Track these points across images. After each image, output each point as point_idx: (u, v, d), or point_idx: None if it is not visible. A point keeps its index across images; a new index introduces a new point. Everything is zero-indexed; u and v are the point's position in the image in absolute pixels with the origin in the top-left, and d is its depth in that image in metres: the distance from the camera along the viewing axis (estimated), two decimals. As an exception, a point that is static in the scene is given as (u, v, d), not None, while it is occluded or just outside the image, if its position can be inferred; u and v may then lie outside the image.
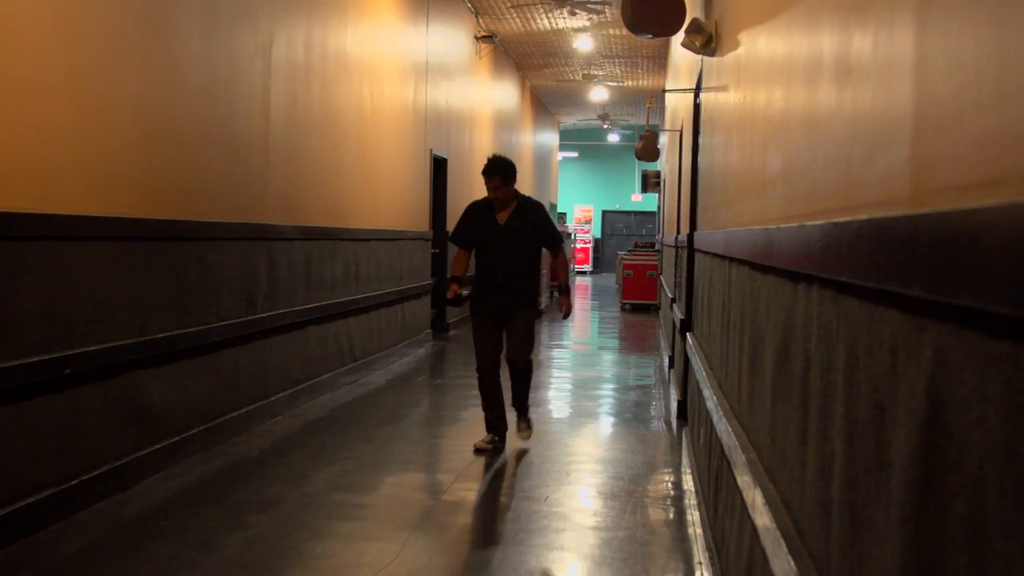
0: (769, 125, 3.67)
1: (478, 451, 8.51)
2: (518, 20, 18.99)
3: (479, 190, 24.45)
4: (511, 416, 9.11)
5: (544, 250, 9.58)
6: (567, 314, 9.69)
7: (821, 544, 2.26)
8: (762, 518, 3.05)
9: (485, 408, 8.86)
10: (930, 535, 1.45)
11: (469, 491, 6.99)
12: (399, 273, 13.86)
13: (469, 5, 17.44)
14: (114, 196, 6.32)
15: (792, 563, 2.47)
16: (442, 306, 16.02)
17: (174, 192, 7.01)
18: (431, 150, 15.03)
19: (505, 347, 8.86)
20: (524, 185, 28.07)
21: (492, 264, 8.74)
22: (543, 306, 18.15)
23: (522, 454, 8.41)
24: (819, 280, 2.31)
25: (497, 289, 8.65)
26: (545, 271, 18.07)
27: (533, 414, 9.13)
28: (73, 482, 5.95)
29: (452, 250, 9.97)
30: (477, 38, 18.56)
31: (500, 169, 8.63)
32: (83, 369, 5.97)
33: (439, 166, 15.69)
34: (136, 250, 6.58)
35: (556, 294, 18.00)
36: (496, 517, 6.31)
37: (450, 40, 16.38)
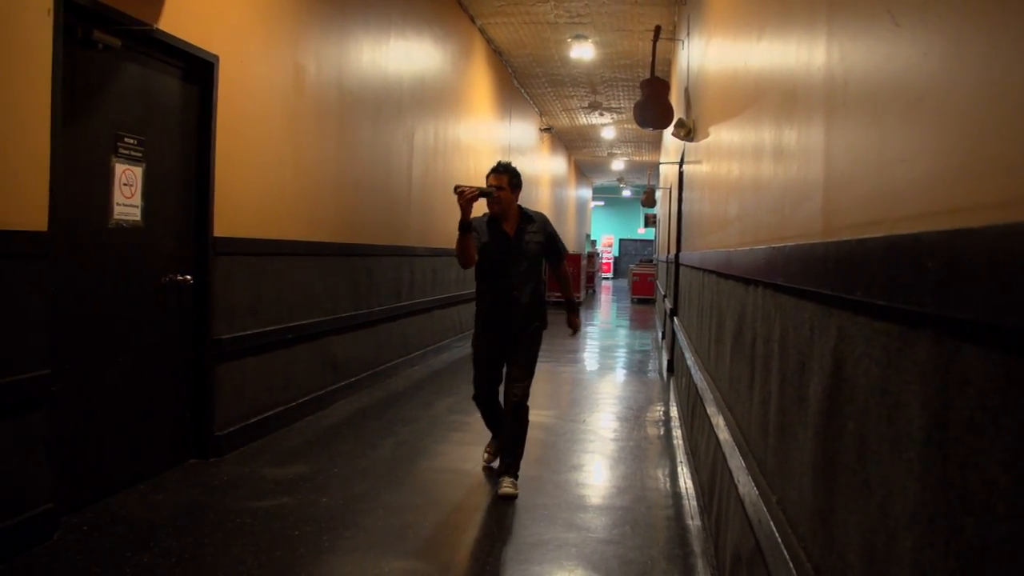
0: (729, 185, 3.66)
1: (486, 464, 5.22)
2: (567, 118, 18.99)
3: None
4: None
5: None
6: (575, 329, 5.41)
7: (761, 450, 2.27)
8: (723, 434, 3.05)
9: (489, 426, 5.27)
10: (831, 444, 1.47)
11: (537, 415, 7.04)
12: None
13: (536, 108, 17.44)
14: (316, 227, 6.41)
15: (742, 461, 2.47)
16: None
17: (354, 225, 7.09)
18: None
19: (504, 376, 4.95)
20: (568, 224, 28.11)
21: (502, 279, 4.83)
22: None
23: (571, 390, 8.40)
24: (763, 283, 2.31)
25: (508, 306, 4.81)
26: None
27: (570, 373, 7.65)
28: (292, 403, 6.02)
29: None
30: (540, 129, 18.54)
31: (509, 170, 4.91)
32: (298, 335, 6.04)
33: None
34: (329, 262, 6.65)
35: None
36: (553, 430, 6.32)
37: (523, 130, 16.36)
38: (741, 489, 2.37)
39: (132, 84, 4.30)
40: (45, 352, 3.55)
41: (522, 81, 15.08)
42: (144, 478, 4.46)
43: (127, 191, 4.25)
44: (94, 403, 4.07)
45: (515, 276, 4.71)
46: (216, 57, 4.87)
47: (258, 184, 5.44)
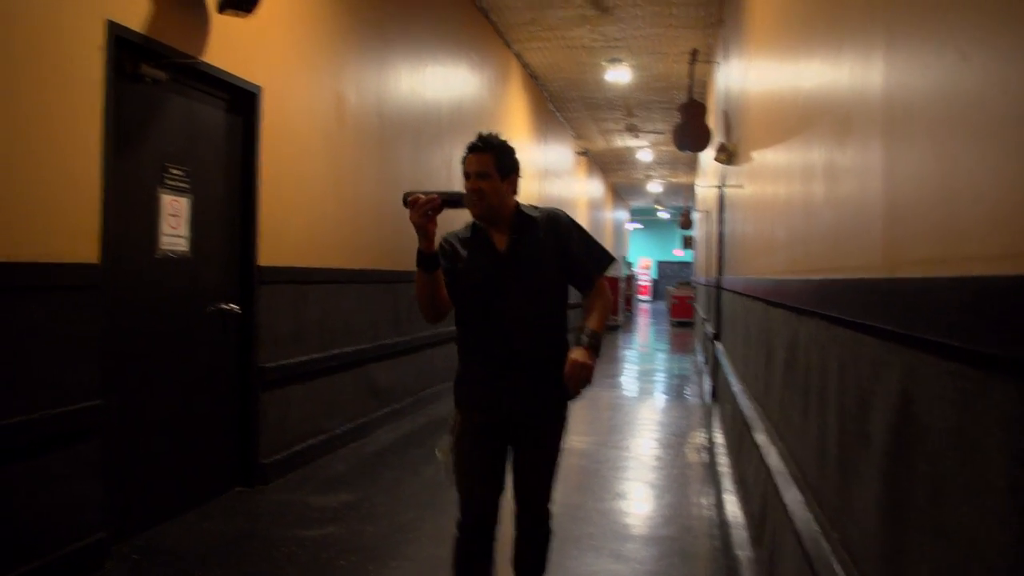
0: (776, 211, 3.62)
1: None
2: (603, 141, 18.99)
3: None
4: None
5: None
6: (576, 383, 2.65)
7: (818, 483, 2.22)
8: (775, 464, 3.00)
9: None
10: (900, 484, 1.43)
11: (576, 441, 6.98)
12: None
13: (572, 131, 17.47)
14: (358, 255, 6.44)
15: (798, 495, 2.43)
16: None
17: (394, 252, 7.13)
18: (549, 223, 15.00)
19: (512, 486, 2.98)
20: (606, 247, 27.66)
21: (494, 324, 2.81)
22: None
23: (610, 415, 8.33)
24: (817, 314, 2.27)
25: (508, 370, 2.80)
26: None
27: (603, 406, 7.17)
28: (335, 431, 6.03)
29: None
30: (577, 152, 18.56)
31: (494, 145, 2.81)
32: (341, 362, 6.05)
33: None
34: (370, 289, 6.68)
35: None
36: (594, 456, 6.26)
37: (560, 153, 16.38)
38: (798, 524, 2.32)
39: (178, 116, 4.37)
40: (97, 382, 3.60)
41: (558, 105, 15.12)
42: (192, 506, 4.48)
43: (174, 222, 4.30)
44: (143, 432, 4.10)
45: (516, 317, 2.75)
46: (259, 88, 4.93)
47: (300, 212, 5.49)
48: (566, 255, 2.81)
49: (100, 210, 3.63)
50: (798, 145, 2.94)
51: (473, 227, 2.88)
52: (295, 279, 5.35)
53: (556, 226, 2.84)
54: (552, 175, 15.28)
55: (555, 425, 2.91)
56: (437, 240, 2.64)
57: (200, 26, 4.37)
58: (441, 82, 8.49)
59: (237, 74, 4.70)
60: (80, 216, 3.54)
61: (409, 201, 2.54)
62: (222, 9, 4.37)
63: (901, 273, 1.46)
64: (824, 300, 2.11)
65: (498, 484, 2.88)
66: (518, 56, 11.88)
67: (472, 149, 2.79)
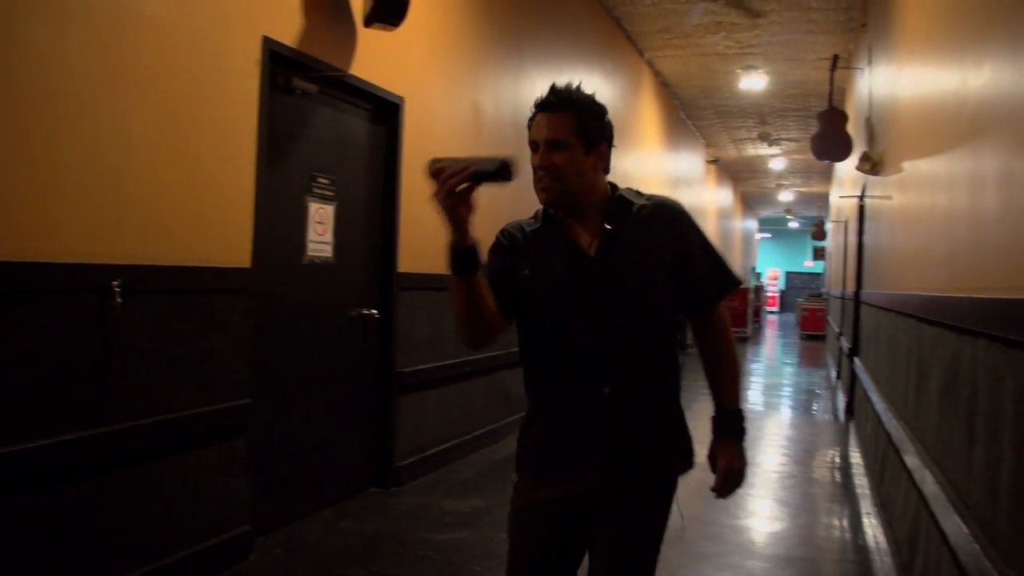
0: (933, 225, 3.43)
1: None
2: (734, 149, 18.60)
3: None
4: None
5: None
6: (723, 486, 2.18)
7: (987, 515, 2.08)
8: (931, 490, 2.84)
9: None
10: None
11: (704, 453, 6.82)
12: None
13: (702, 139, 17.19)
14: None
15: (961, 526, 2.28)
16: (683, 330, 15.55)
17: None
18: (678, 233, 14.78)
19: None
20: (734, 256, 26.78)
21: (573, 360, 1.94)
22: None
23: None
24: (986, 335, 2.13)
25: (591, 428, 1.93)
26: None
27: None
28: (467, 436, 6.08)
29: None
30: (707, 161, 18.24)
31: (575, 104, 1.93)
32: (474, 368, 6.10)
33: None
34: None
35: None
36: (697, 468, 6.11)
37: (690, 162, 16.13)
38: (961, 556, 2.18)
39: (325, 127, 4.51)
40: (246, 381, 3.75)
41: (689, 113, 14.90)
42: (328, 505, 4.61)
43: (320, 229, 4.44)
44: (285, 431, 4.25)
45: (609, 346, 1.94)
46: (401, 98, 5.04)
47: (439, 220, 5.56)
48: (684, 266, 1.98)
49: (252, 217, 3.79)
50: (964, 154, 2.77)
51: (545, 215, 2.05)
52: (433, 285, 5.43)
53: (671, 223, 2.01)
54: (682, 183, 15.07)
55: (660, 498, 2.07)
56: (482, 230, 1.89)
57: (347, 40, 4.50)
58: (574, 91, 8.46)
59: (381, 85, 4.82)
60: (235, 222, 3.70)
61: (432, 172, 1.83)
62: (369, 23, 4.49)
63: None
64: (997, 320, 1.97)
65: None
66: (650, 64, 11.76)
67: (541, 107, 1.96)
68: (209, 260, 3.53)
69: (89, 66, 2.96)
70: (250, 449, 3.80)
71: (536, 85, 7.31)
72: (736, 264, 25.37)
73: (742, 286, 21.77)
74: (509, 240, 2.07)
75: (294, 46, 4.04)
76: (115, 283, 2.99)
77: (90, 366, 2.96)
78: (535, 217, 2.09)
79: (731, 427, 2.12)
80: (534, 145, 1.97)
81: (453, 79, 5.78)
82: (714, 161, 18.93)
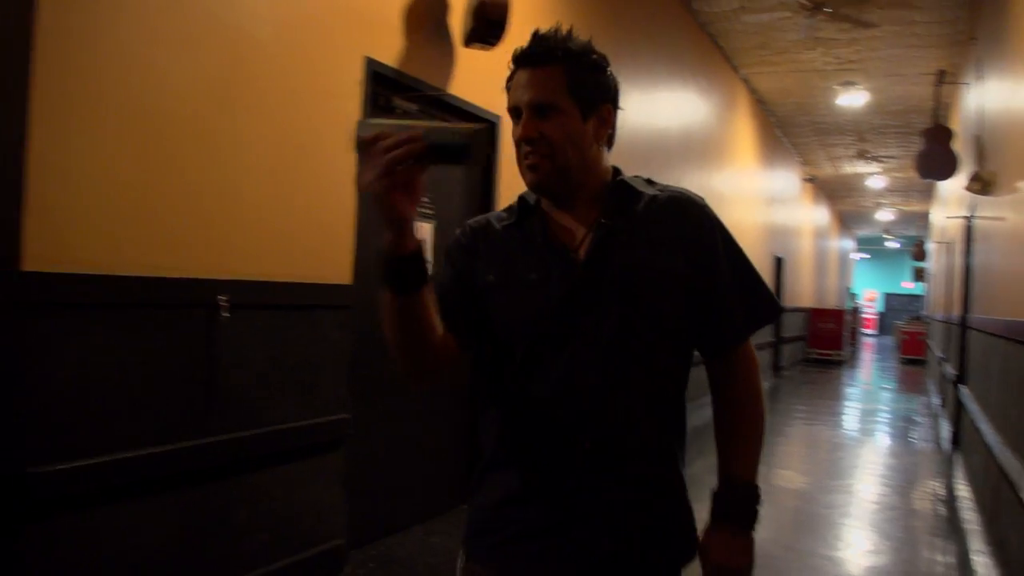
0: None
1: None
2: (831, 167, 18.15)
3: (805, 279, 21.75)
4: None
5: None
6: None
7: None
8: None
9: None
10: None
11: (792, 480, 6.64)
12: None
13: (799, 158, 16.84)
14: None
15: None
16: (777, 351, 15.23)
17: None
18: (773, 253, 14.51)
19: None
20: (830, 277, 26.35)
21: (549, 402, 1.40)
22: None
23: (829, 454, 7.86)
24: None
25: (569, 496, 1.40)
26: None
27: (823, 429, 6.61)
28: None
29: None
30: (803, 179, 17.85)
31: (565, 55, 1.41)
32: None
33: (778, 263, 15.09)
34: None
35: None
36: (812, 498, 5.92)
37: (786, 180, 15.81)
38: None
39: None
40: (345, 395, 3.81)
41: (785, 130, 14.62)
42: (418, 521, 4.64)
43: (417, 246, 4.49)
44: (378, 446, 4.30)
45: (595, 384, 1.42)
46: (498, 117, 5.07)
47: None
48: (705, 282, 1.48)
49: (354, 233, 3.86)
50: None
51: (521, 206, 1.57)
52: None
53: (691, 222, 1.51)
54: (777, 202, 14.78)
55: None
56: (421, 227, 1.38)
57: (446, 59, 4.56)
58: (670, 109, 8.42)
59: (479, 104, 4.87)
60: (337, 239, 3.79)
61: (362, 141, 1.24)
62: (468, 43, 4.54)
63: None
64: None
65: None
66: (745, 81, 11.59)
67: (521, 60, 1.48)
68: (312, 276, 3.61)
69: (204, 89, 3.07)
70: (347, 463, 3.86)
71: (632, 104, 7.28)
72: (832, 284, 24.61)
73: (831, 308, 21.16)
74: (470, 239, 1.56)
75: (395, 66, 4.12)
76: (223, 297, 3.09)
77: (198, 378, 3.05)
78: (509, 209, 1.59)
79: (737, 509, 1.49)
80: (515, 112, 1.49)
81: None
82: (810, 179, 18.52)
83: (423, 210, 4.52)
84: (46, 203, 2.52)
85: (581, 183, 1.50)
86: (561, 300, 1.44)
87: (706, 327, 1.52)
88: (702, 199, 1.58)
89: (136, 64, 2.80)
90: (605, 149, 1.55)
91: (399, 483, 4.47)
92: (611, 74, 1.52)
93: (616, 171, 1.57)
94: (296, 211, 3.51)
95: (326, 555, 3.72)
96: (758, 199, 13.11)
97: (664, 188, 1.57)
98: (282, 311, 3.44)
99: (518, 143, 1.48)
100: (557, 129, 1.44)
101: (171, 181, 2.94)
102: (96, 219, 2.69)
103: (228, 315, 3.09)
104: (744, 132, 11.90)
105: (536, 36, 1.48)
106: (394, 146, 1.23)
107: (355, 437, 3.96)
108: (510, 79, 1.51)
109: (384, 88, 4.13)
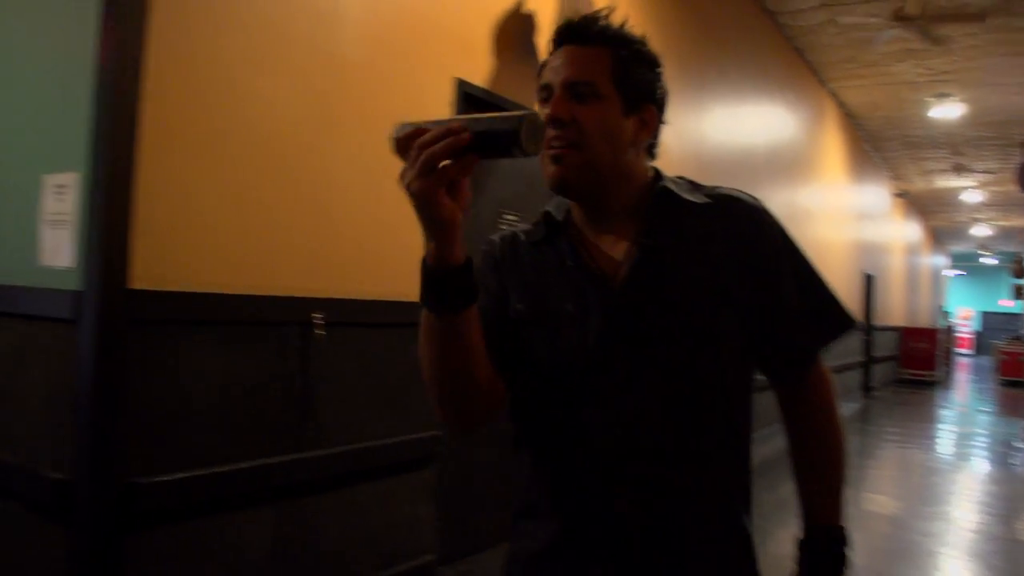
0: None
1: None
2: (922, 182, 17.61)
3: (896, 297, 21.25)
4: None
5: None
6: None
7: None
8: None
9: None
10: None
11: (884, 505, 6.41)
12: (841, 353, 12.76)
13: (889, 172, 16.39)
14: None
15: None
16: (868, 371, 14.77)
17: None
18: (863, 270, 14.12)
19: None
20: (922, 295, 25.51)
21: (582, 440, 1.23)
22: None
23: (923, 478, 7.57)
24: None
25: (599, 540, 1.21)
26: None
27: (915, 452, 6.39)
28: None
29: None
30: (893, 194, 17.36)
31: (609, 38, 1.24)
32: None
33: (868, 280, 14.68)
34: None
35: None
36: (907, 525, 5.71)
37: (875, 195, 15.40)
38: None
39: (513, 163, 4.59)
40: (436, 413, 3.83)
41: (874, 144, 14.26)
42: (504, 539, 4.61)
43: (504, 264, 4.51)
44: (470, 463, 4.31)
45: (638, 427, 1.24)
46: (584, 136, 5.07)
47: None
48: (767, 298, 1.30)
49: (443, 252, 3.90)
50: None
51: (548, 219, 1.38)
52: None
53: (749, 231, 1.30)
54: (866, 218, 14.41)
55: None
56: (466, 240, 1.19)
57: (533, 79, 4.57)
58: (756, 124, 8.31)
59: (565, 122, 4.87)
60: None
61: (401, 140, 1.11)
62: (555, 61, 4.55)
63: None
64: None
65: None
66: (833, 95, 11.36)
67: (563, 37, 1.31)
68: (404, 294, 3.65)
69: (301, 112, 3.15)
70: (437, 480, 3.88)
71: (718, 120, 7.20)
72: (925, 303, 23.79)
73: (923, 327, 20.45)
74: (499, 257, 1.39)
75: (483, 86, 4.16)
76: (317, 315, 3.14)
77: (293, 394, 3.11)
78: (537, 223, 1.40)
79: (825, 560, 1.32)
80: (545, 91, 1.28)
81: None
82: (901, 194, 18.00)
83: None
84: (152, 224, 2.61)
85: (614, 190, 1.31)
86: (595, 333, 1.25)
87: (770, 348, 1.34)
88: (758, 201, 1.36)
89: (238, 89, 2.89)
90: (645, 156, 1.36)
91: (488, 500, 4.47)
92: (662, 76, 1.35)
93: (657, 175, 1.37)
94: (388, 230, 3.56)
95: (417, 570, 3.74)
96: (846, 215, 12.80)
97: (713, 191, 1.35)
98: (374, 329, 3.49)
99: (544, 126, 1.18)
100: (593, 116, 1.24)
101: (270, 201, 3.02)
102: (199, 239, 2.78)
103: (322, 332, 3.14)
104: (832, 147, 11.65)
105: (585, 15, 1.31)
106: (433, 140, 1.06)
107: (446, 454, 3.98)
108: (544, 62, 1.33)
109: (474, 107, 4.17)
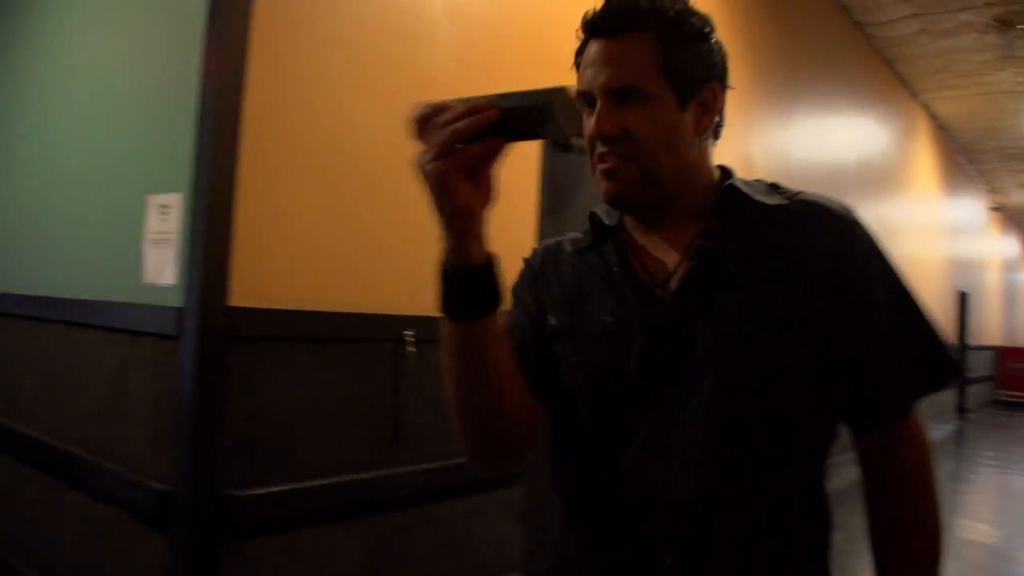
0: None
1: None
2: (1021, 195, 16.93)
3: (992, 315, 20.43)
4: None
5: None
6: None
7: None
8: None
9: None
10: None
11: (981, 532, 6.12)
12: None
13: (984, 185, 15.81)
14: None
15: None
16: (962, 392, 14.20)
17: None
18: (957, 287, 13.63)
19: None
20: (1020, 315, 24.51)
21: (621, 488, 1.02)
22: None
23: (996, 506, 7.23)
24: None
25: None
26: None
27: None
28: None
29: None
30: (989, 208, 16.73)
31: (653, 17, 1.00)
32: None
33: (962, 298, 14.17)
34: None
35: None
36: (1007, 555, 5.44)
37: (969, 209, 14.85)
38: None
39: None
40: (520, 430, 3.84)
41: (969, 156, 13.78)
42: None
43: (589, 281, 4.49)
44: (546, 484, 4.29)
45: (686, 477, 1.00)
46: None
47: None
48: (855, 330, 1.06)
49: (530, 269, 3.91)
50: None
51: (596, 226, 1.25)
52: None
53: (833, 246, 1.08)
54: (960, 233, 13.92)
55: None
56: (505, 245, 1.18)
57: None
58: (846, 137, 8.12)
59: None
60: (514, 275, 3.83)
61: (420, 120, 1.01)
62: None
63: None
64: None
65: None
66: (925, 106, 11.03)
67: (594, 28, 1.11)
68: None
69: (395, 133, 3.18)
70: (521, 499, 3.87)
71: (807, 134, 7.07)
72: (1022, 323, 22.78)
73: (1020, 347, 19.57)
74: (539, 268, 1.28)
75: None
76: (408, 332, 3.17)
77: (384, 410, 3.14)
78: (584, 231, 1.26)
79: None
80: (586, 98, 1.10)
81: (725, 134, 5.69)
82: (998, 208, 17.33)
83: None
84: (252, 243, 2.68)
85: (677, 194, 1.11)
86: (642, 353, 1.05)
87: (854, 394, 1.07)
88: (851, 210, 1.13)
89: (334, 111, 2.95)
90: (711, 142, 1.16)
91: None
92: (716, 42, 1.13)
93: (725, 173, 1.18)
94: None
95: (501, 589, 3.74)
96: (939, 230, 12.39)
97: (796, 195, 1.14)
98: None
99: (591, 141, 1.11)
100: (644, 122, 1.06)
101: (365, 220, 3.07)
102: (296, 257, 2.84)
103: (413, 349, 3.17)
104: (924, 160, 11.30)
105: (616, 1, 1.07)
106: (455, 119, 0.94)
107: (530, 472, 3.97)
108: (580, 52, 1.13)
109: (560, 125, 4.18)
